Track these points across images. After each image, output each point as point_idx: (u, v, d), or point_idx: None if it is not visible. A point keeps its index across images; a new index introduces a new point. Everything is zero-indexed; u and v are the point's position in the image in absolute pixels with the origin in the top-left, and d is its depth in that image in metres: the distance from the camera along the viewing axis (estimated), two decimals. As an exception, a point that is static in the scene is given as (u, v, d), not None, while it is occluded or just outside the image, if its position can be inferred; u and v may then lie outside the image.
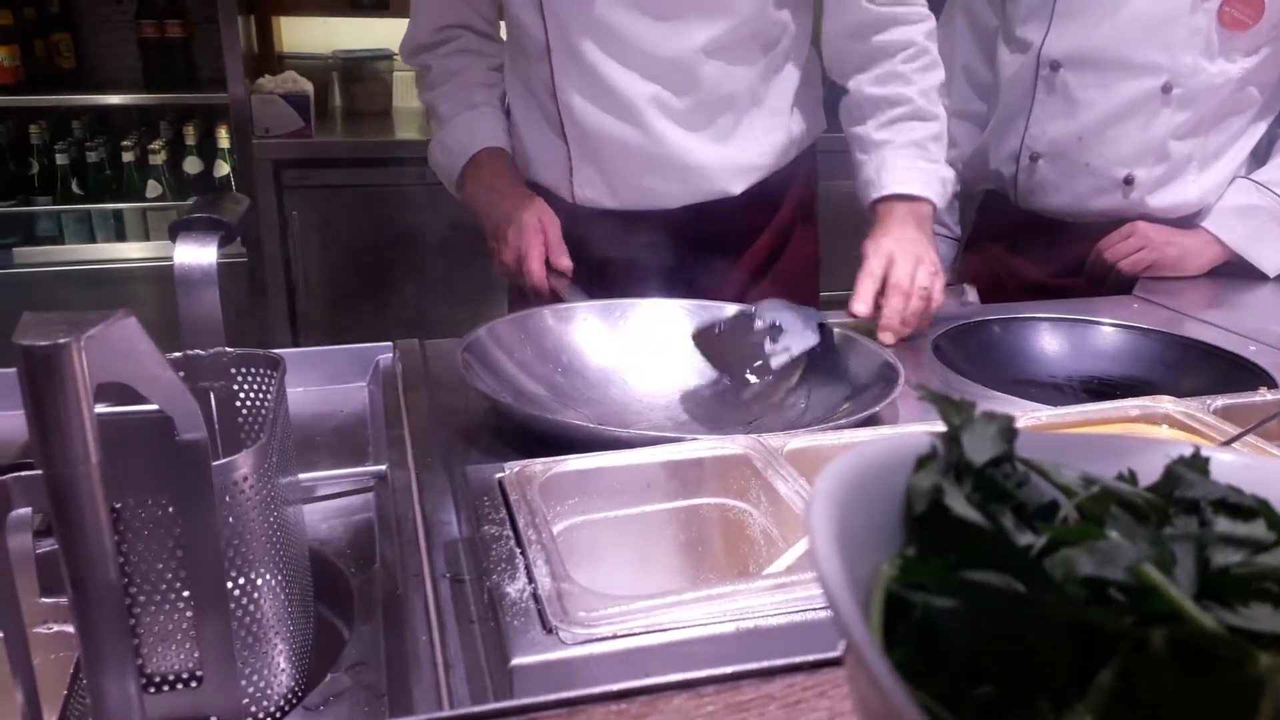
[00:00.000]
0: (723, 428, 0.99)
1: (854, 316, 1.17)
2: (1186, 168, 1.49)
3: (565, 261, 1.25)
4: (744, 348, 1.05)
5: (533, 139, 1.36)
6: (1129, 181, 1.48)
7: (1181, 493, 0.32)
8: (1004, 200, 1.61)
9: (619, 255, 1.31)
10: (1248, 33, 1.39)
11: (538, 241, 1.25)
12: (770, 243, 1.41)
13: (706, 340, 1.07)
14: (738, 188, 1.32)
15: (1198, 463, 0.34)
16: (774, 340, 1.05)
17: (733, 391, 1.05)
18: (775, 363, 1.03)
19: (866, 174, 1.31)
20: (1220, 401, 0.89)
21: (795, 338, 1.05)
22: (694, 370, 1.08)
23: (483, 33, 1.40)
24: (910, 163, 1.29)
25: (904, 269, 1.19)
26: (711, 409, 1.04)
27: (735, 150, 1.31)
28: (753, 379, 1.04)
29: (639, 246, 1.31)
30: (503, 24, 1.39)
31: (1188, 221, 1.52)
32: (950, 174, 1.34)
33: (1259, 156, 1.57)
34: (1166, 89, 1.42)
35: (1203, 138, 1.47)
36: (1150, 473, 0.34)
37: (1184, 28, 1.39)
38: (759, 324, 1.06)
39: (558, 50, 1.26)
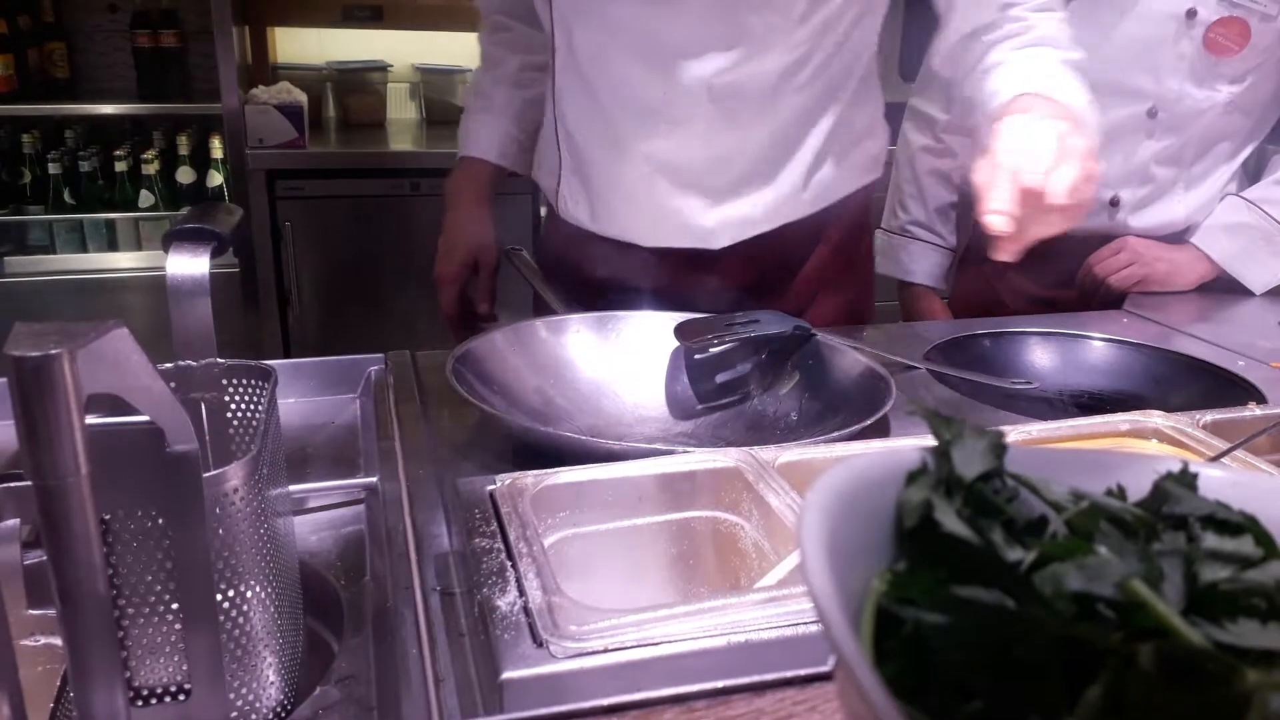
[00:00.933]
0: (715, 440, 0.99)
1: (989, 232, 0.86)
2: (1172, 189, 1.50)
3: (484, 308, 1.27)
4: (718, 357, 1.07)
5: (545, 137, 1.32)
6: (1114, 203, 1.50)
7: (1170, 508, 0.33)
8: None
9: (597, 276, 1.26)
10: (1234, 59, 1.40)
11: (454, 275, 1.28)
12: (755, 288, 1.27)
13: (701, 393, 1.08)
14: (720, 243, 1.22)
15: (1186, 478, 0.34)
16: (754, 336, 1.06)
17: (726, 404, 1.05)
18: (735, 336, 1.04)
19: (980, 95, 1.05)
20: (1209, 416, 0.90)
21: (766, 326, 1.06)
22: (686, 382, 1.08)
23: (531, 22, 1.30)
24: (1043, 66, 1.04)
25: (1040, 162, 0.83)
26: (703, 421, 1.04)
27: (725, 210, 1.20)
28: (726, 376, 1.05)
29: (616, 272, 1.26)
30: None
31: (1177, 238, 1.53)
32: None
33: (1250, 172, 1.58)
34: (1152, 114, 1.44)
35: (1187, 163, 1.49)
36: (1139, 488, 0.35)
37: (1170, 53, 1.41)
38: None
39: (561, 51, 1.20)
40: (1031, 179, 0.82)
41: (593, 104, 1.20)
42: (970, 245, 1.72)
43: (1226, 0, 1.38)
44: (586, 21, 1.15)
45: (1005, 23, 1.11)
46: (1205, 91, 1.43)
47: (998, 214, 0.82)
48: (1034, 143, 0.85)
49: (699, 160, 1.18)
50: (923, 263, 1.70)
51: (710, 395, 1.06)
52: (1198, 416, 0.89)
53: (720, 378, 1.06)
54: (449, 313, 1.29)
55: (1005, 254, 0.87)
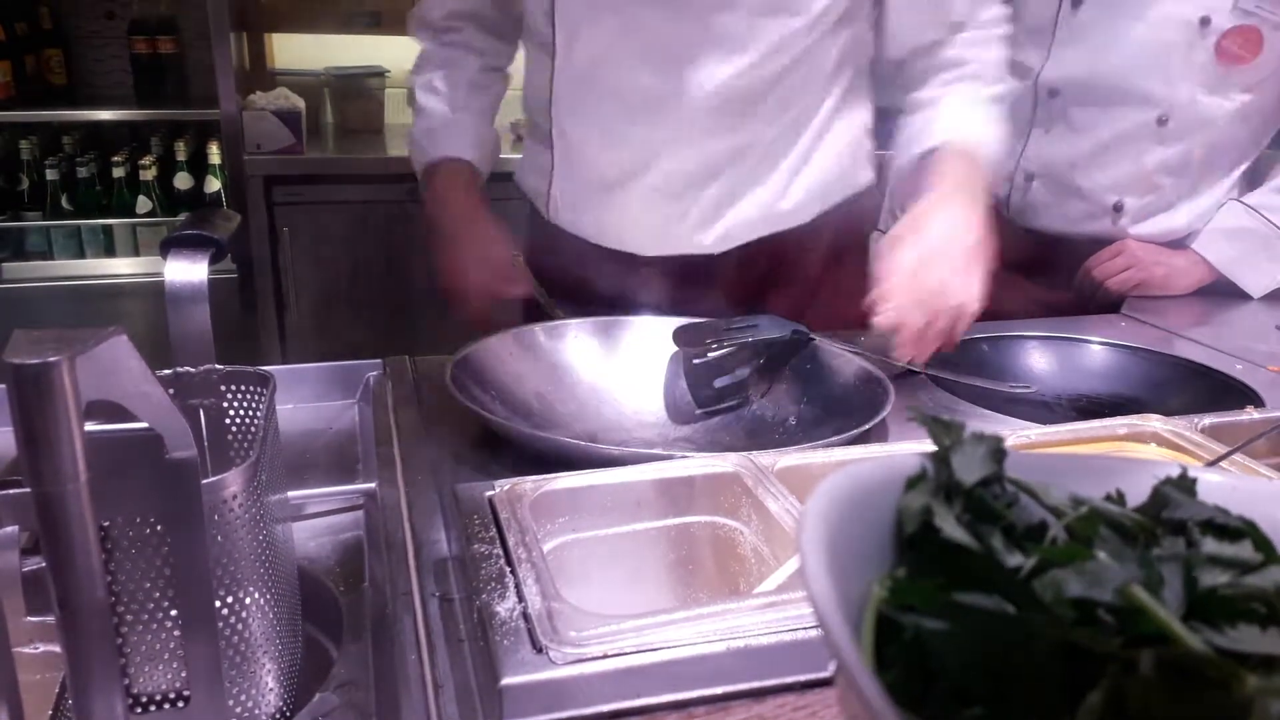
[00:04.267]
0: (714, 445, 0.99)
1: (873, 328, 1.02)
2: (1176, 197, 1.51)
3: (517, 290, 1.24)
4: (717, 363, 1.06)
5: (532, 140, 1.31)
6: (1119, 209, 1.51)
7: (1169, 513, 0.33)
8: (997, 216, 1.63)
9: (588, 279, 1.25)
10: (1246, 67, 1.40)
11: (487, 305, 1.24)
12: (753, 295, 1.28)
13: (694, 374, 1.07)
14: (717, 250, 1.23)
15: (1185, 483, 0.34)
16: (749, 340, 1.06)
17: (725, 409, 1.05)
18: (733, 341, 1.04)
19: (909, 133, 1.17)
20: (1208, 420, 0.90)
21: (764, 331, 1.06)
22: (685, 388, 1.08)
23: (489, 27, 1.33)
24: (969, 110, 1.15)
25: (919, 333, 1.00)
26: (702, 426, 1.04)
27: (723, 220, 1.22)
28: (725, 381, 1.04)
29: (607, 277, 1.25)
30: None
31: (1178, 244, 1.53)
32: (1000, 137, 1.18)
33: (1248, 177, 1.58)
34: (1161, 121, 1.44)
35: (1194, 169, 1.49)
36: (1138, 493, 0.35)
37: (1182, 60, 1.41)
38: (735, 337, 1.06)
39: (562, 58, 1.18)
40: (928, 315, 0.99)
41: (594, 107, 1.19)
42: None
43: (1240, 9, 1.38)
44: (595, 22, 1.15)
45: (944, 50, 1.19)
46: (1217, 99, 1.43)
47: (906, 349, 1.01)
48: (924, 284, 1.00)
49: (700, 163, 1.19)
50: None
51: (709, 400, 1.05)
52: (1196, 420, 0.89)
53: (719, 383, 1.06)
54: (483, 322, 1.23)
55: (905, 356, 1.02)
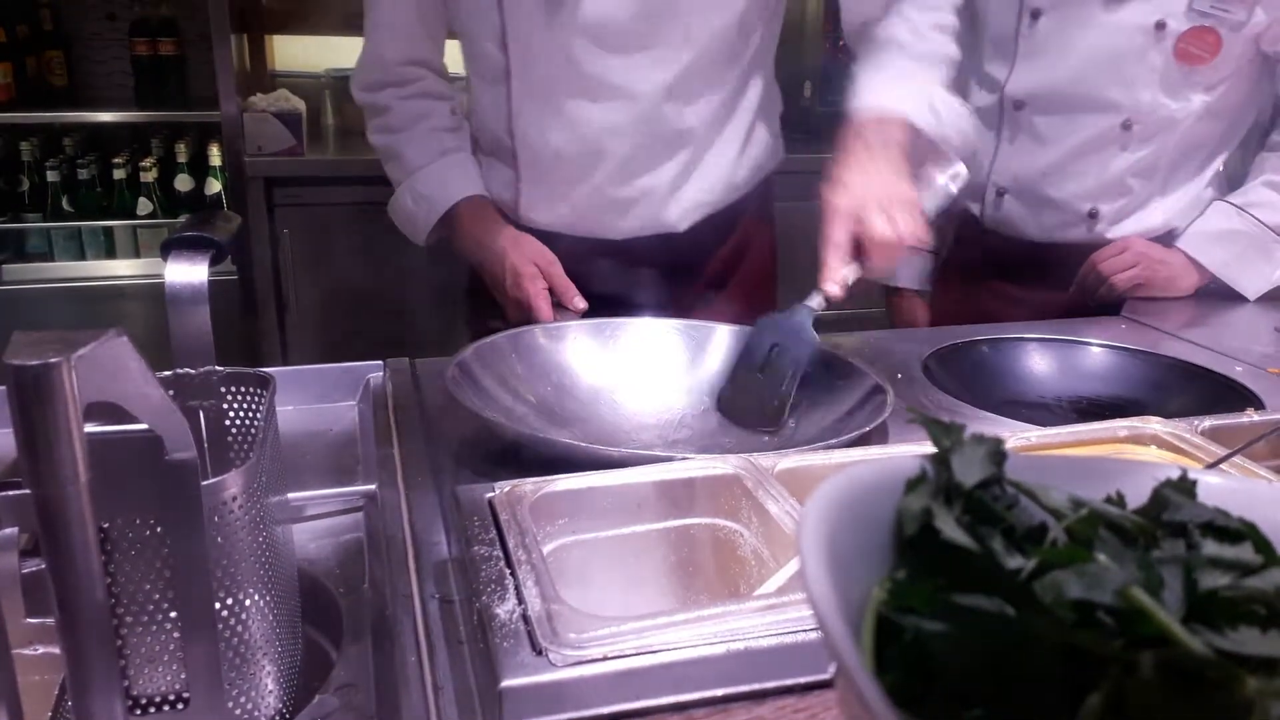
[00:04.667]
0: (714, 447, 0.99)
1: (827, 298, 1.06)
2: (1149, 198, 1.52)
3: (580, 303, 1.22)
4: (761, 388, 1.05)
5: (490, 159, 1.35)
6: (1093, 215, 1.52)
7: (1169, 515, 0.33)
8: (977, 226, 1.64)
9: (565, 268, 1.27)
10: (1206, 67, 1.41)
11: (540, 288, 1.22)
12: (720, 269, 1.39)
13: (730, 406, 1.07)
14: (684, 224, 1.31)
15: (1185, 485, 0.34)
16: (780, 360, 1.05)
17: (723, 410, 1.06)
18: (789, 387, 1.03)
19: (848, 101, 1.22)
20: (1208, 422, 0.90)
21: (795, 346, 1.05)
22: (684, 389, 1.08)
23: (441, 72, 1.37)
24: (891, 79, 1.21)
25: (876, 224, 1.05)
26: (702, 428, 1.04)
27: (688, 188, 1.30)
28: (783, 416, 1.03)
29: (584, 267, 1.28)
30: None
31: (1163, 240, 1.53)
32: (953, 101, 1.22)
33: (1231, 174, 1.59)
34: (1126, 126, 1.46)
35: (1164, 171, 1.50)
36: (1138, 495, 0.35)
37: (1142, 65, 1.42)
38: (758, 355, 1.06)
39: (518, 78, 1.24)
40: (867, 237, 1.05)
41: (554, 111, 1.24)
42: (949, 255, 1.74)
43: (1195, 10, 1.39)
44: (547, 34, 1.19)
45: (878, 26, 1.25)
46: (1179, 101, 1.44)
47: (834, 284, 1.05)
48: (863, 202, 1.06)
49: (656, 141, 1.26)
50: (906, 269, 1.74)
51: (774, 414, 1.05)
52: (1196, 422, 0.89)
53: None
54: (549, 318, 1.23)
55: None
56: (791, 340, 1.06)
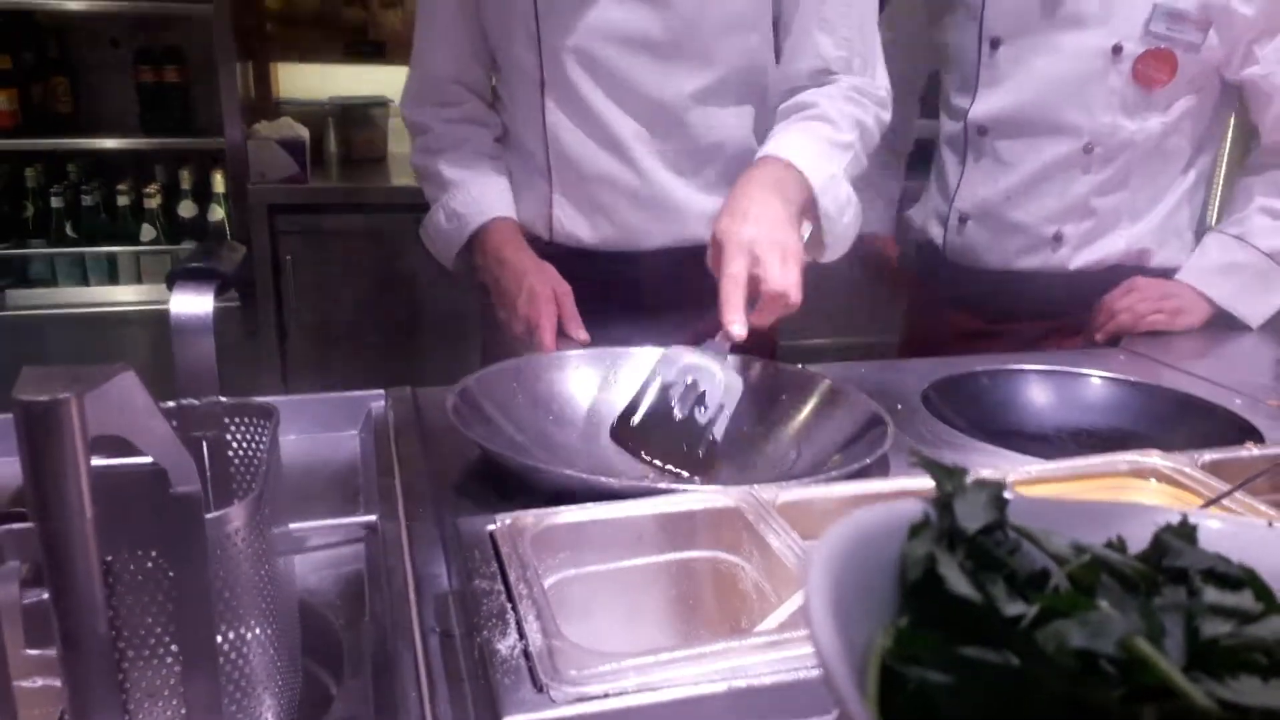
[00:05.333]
0: (714, 480, 0.99)
1: (728, 338, 1.03)
2: (1115, 221, 1.53)
3: (583, 334, 1.22)
4: (674, 427, 1.01)
5: (522, 175, 1.38)
6: (1058, 238, 1.53)
7: (1170, 561, 0.33)
8: (937, 253, 1.66)
9: (592, 295, 1.28)
10: (1164, 89, 1.44)
11: (550, 311, 1.22)
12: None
13: (630, 436, 1.02)
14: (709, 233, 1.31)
15: (1186, 531, 0.34)
16: (699, 402, 1.01)
17: (724, 442, 1.05)
18: (718, 431, 1.00)
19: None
20: (1208, 456, 0.90)
21: (719, 388, 1.01)
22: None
23: (485, 98, 1.41)
24: (802, 138, 1.21)
25: (773, 268, 1.04)
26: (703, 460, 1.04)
27: (718, 201, 1.27)
28: (701, 456, 0.99)
29: (612, 286, 1.31)
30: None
31: (1120, 271, 1.54)
32: (849, 192, 1.24)
33: (1222, 199, 1.61)
34: (1088, 149, 1.48)
35: (1128, 192, 1.51)
36: (1139, 539, 0.35)
37: (1101, 88, 1.45)
38: (674, 391, 1.02)
39: (551, 84, 1.28)
40: (763, 288, 1.04)
41: (586, 118, 1.27)
42: (917, 287, 1.76)
43: (1151, 34, 1.41)
44: (575, 38, 1.23)
45: (803, 95, 1.27)
46: (1137, 123, 1.46)
47: (737, 324, 1.03)
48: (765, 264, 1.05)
49: (687, 148, 1.28)
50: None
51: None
52: (1196, 456, 0.89)
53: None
54: (552, 347, 1.22)
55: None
56: (708, 382, 1.02)
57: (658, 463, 1.01)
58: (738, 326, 1.03)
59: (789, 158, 1.18)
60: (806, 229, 1.20)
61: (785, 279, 1.04)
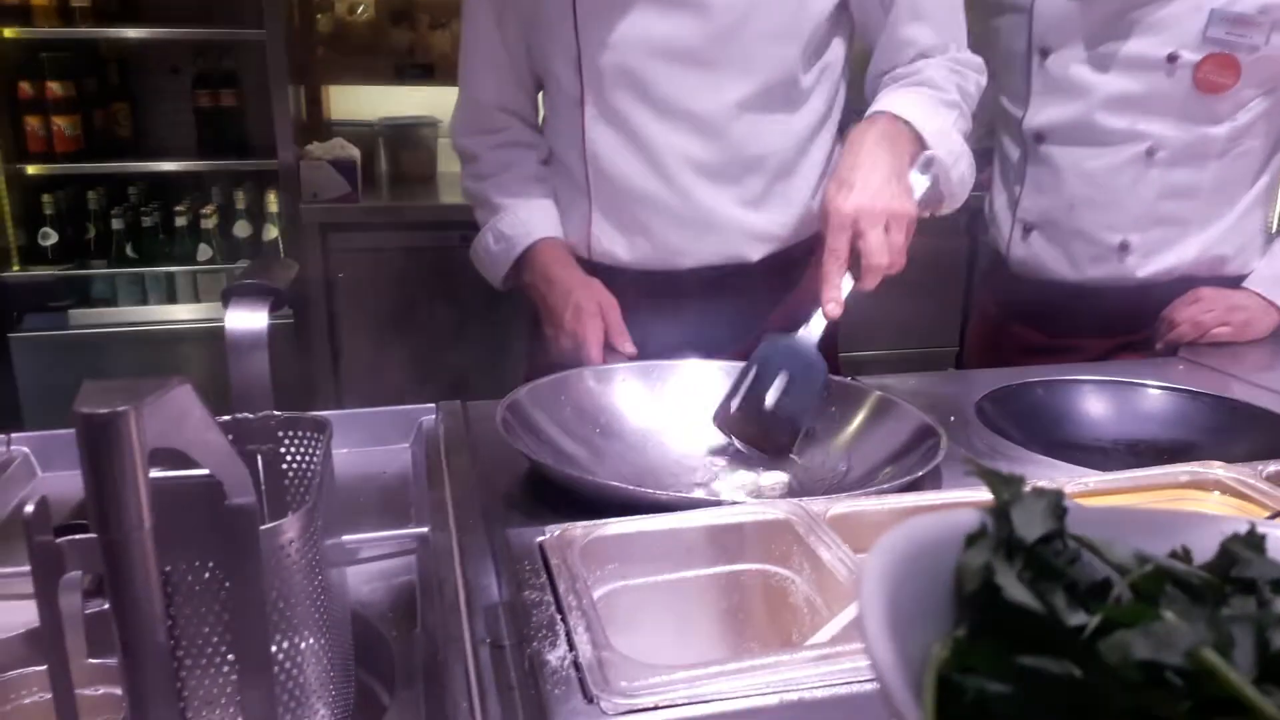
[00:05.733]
0: (764, 492, 0.98)
1: (825, 316, 1.07)
2: (1185, 229, 1.48)
3: (629, 347, 1.23)
4: (767, 418, 1.04)
5: (562, 195, 1.38)
6: (1124, 247, 1.48)
7: (1238, 571, 0.32)
8: (1003, 266, 1.63)
9: (634, 311, 1.28)
10: (1229, 94, 1.40)
11: (596, 326, 1.23)
12: (786, 312, 1.35)
13: (730, 422, 1.07)
14: (755, 254, 1.31)
15: (1254, 540, 0.33)
16: (789, 393, 1.04)
17: (773, 454, 1.05)
18: (805, 422, 1.04)
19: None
20: (1272, 467, 0.87)
21: (807, 383, 1.05)
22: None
23: (530, 122, 1.42)
24: (910, 95, 1.21)
25: (875, 239, 1.06)
26: (752, 470, 1.04)
27: (760, 216, 1.30)
28: (795, 451, 1.03)
29: (651, 305, 1.30)
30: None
31: (1188, 282, 1.50)
32: (961, 143, 1.22)
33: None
34: (1150, 153, 1.44)
35: (1198, 198, 1.47)
36: (1204, 549, 0.34)
37: (1159, 97, 1.41)
38: (770, 388, 1.05)
39: (591, 102, 1.28)
40: (864, 262, 1.06)
41: (625, 131, 1.27)
42: (978, 299, 1.73)
43: (1209, 39, 1.37)
44: (614, 52, 1.23)
45: (921, 70, 1.26)
46: (1204, 127, 1.42)
47: (834, 303, 1.07)
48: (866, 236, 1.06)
49: (728, 167, 1.27)
50: None
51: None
52: (1260, 467, 0.87)
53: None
54: (600, 360, 1.24)
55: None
56: (799, 369, 1.05)
57: (743, 449, 1.05)
58: (834, 305, 1.06)
59: (898, 111, 1.18)
60: (923, 184, 1.17)
61: (884, 254, 1.06)
